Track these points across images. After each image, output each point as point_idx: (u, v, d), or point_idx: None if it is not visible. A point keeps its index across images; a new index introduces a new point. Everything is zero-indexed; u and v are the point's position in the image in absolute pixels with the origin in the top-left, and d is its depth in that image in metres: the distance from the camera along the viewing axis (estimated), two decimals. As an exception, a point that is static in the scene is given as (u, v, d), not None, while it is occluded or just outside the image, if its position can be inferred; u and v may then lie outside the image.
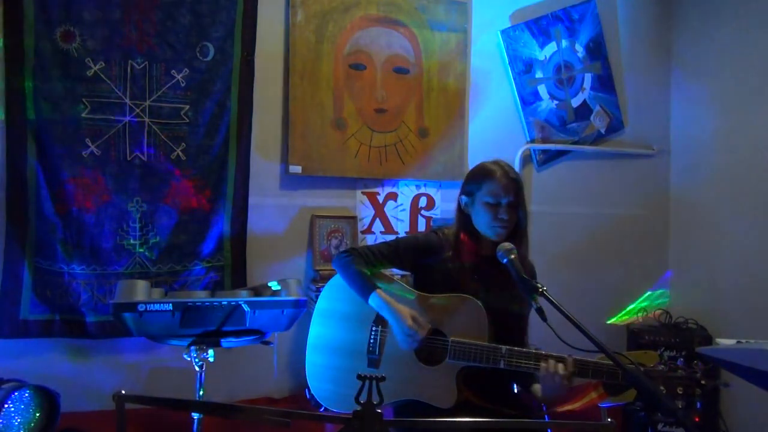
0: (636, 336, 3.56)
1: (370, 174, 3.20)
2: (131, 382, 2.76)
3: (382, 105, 3.20)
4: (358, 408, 1.25)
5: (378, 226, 3.26)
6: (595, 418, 2.29)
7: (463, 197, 2.12)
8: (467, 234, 2.10)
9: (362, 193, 3.24)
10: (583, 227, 3.69)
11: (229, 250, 2.91)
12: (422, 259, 2.14)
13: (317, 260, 3.06)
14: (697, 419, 1.84)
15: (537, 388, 1.98)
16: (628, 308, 3.76)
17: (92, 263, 2.70)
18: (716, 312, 3.52)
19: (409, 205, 3.33)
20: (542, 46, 3.54)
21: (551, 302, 1.70)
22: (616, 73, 3.72)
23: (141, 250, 2.76)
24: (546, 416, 2.08)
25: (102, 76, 2.68)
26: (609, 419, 1.59)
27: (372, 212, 3.25)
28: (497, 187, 2.02)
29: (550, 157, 3.62)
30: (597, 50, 3.67)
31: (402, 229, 3.31)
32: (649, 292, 3.80)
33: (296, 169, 3.03)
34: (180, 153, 2.81)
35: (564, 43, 3.59)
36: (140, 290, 2.18)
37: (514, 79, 3.49)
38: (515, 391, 2.12)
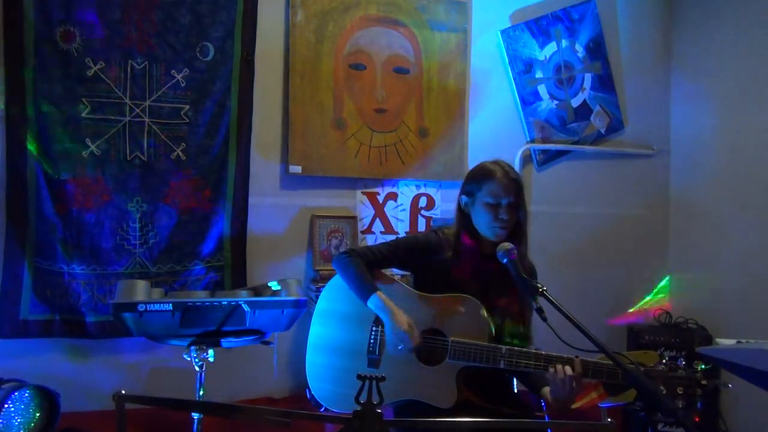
0: (636, 336, 3.56)
1: (370, 174, 3.20)
2: (131, 382, 2.76)
3: (382, 105, 3.20)
4: (358, 408, 1.25)
5: (378, 226, 3.26)
6: (595, 418, 2.30)
7: (463, 197, 2.11)
8: (467, 234, 2.10)
9: (362, 193, 3.24)
10: (583, 227, 3.69)
11: (229, 250, 2.91)
12: (422, 259, 2.14)
13: (317, 260, 3.06)
14: (697, 419, 1.83)
15: (546, 390, 1.97)
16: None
17: (92, 263, 2.70)
18: (716, 312, 3.51)
19: (409, 205, 3.33)
20: (542, 46, 3.54)
21: (551, 302, 1.70)
22: (616, 73, 3.72)
23: (141, 250, 2.76)
24: (546, 416, 2.08)
25: (102, 76, 2.68)
26: (609, 419, 1.59)
27: (372, 212, 3.25)
28: (497, 187, 2.01)
29: (550, 157, 3.62)
30: (597, 50, 3.67)
31: (402, 229, 3.30)
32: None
33: (296, 169, 3.03)
34: (180, 153, 2.82)
35: (564, 43, 3.59)
36: (140, 290, 2.18)
37: (514, 79, 3.49)
38: (515, 390, 2.11)
